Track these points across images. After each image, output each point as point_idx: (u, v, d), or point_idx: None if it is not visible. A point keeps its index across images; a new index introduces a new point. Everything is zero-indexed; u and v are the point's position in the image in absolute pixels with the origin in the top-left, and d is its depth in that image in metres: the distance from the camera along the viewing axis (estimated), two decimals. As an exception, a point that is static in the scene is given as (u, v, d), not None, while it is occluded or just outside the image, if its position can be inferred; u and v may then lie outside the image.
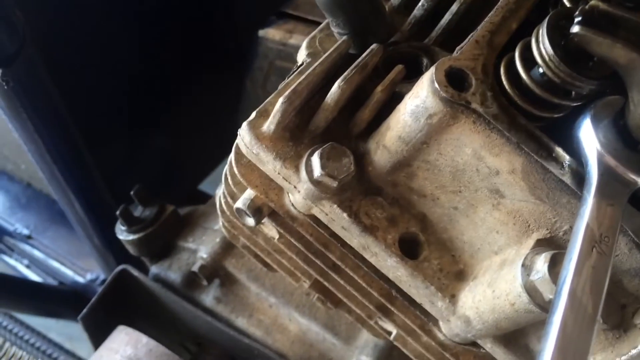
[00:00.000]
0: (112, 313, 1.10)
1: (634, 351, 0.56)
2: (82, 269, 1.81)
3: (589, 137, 0.52)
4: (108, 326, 1.10)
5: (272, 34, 1.17)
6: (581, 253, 0.48)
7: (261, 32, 1.18)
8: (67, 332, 2.29)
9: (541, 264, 0.55)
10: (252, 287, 1.04)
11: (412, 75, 0.66)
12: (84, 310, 1.03)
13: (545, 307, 0.55)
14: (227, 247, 1.06)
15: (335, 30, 0.71)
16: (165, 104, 1.58)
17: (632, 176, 0.52)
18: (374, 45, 0.65)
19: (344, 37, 0.70)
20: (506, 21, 0.59)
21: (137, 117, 1.53)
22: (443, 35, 0.74)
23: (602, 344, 0.58)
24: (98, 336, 1.12)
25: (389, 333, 0.80)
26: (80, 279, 1.80)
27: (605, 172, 0.51)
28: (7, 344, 1.79)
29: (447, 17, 0.73)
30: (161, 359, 0.93)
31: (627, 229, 0.53)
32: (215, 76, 1.61)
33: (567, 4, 0.60)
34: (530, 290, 0.55)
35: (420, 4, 0.75)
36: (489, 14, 0.60)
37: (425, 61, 0.71)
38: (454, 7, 0.72)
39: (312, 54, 0.76)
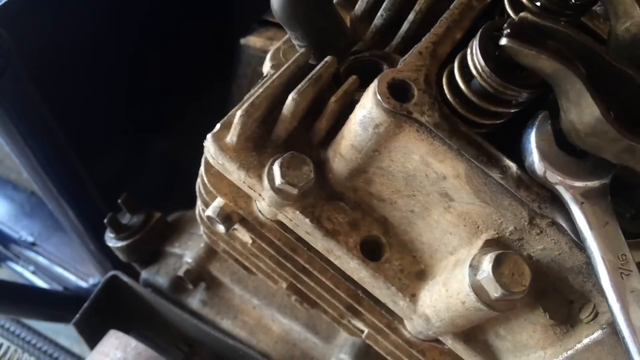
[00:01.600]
0: (105, 318, 1.14)
1: (579, 345, 0.58)
2: (84, 274, 1.86)
3: (549, 173, 0.54)
4: (103, 330, 1.14)
5: (253, 41, 1.20)
6: (618, 289, 0.51)
7: (243, 40, 1.21)
8: (76, 335, 2.34)
9: (487, 264, 0.57)
10: (236, 290, 1.08)
11: (375, 82, 0.69)
12: (77, 316, 1.07)
13: (492, 305, 0.57)
14: (211, 252, 1.10)
15: (295, 42, 0.74)
16: (161, 112, 1.61)
17: (602, 181, 0.54)
18: (327, 58, 0.68)
19: (303, 49, 0.72)
20: (450, 32, 0.62)
21: (132, 127, 1.56)
22: (403, 43, 0.76)
23: (550, 339, 0.61)
24: (93, 340, 1.16)
25: (362, 332, 0.83)
26: (83, 284, 1.85)
27: (586, 198, 0.53)
28: (13, 349, 1.84)
29: (406, 25, 0.75)
30: (149, 361, 0.96)
31: (567, 229, 0.55)
32: (211, 82, 1.64)
33: (512, 14, 0.62)
34: (477, 289, 0.58)
35: (379, 13, 0.77)
36: (434, 26, 0.63)
37: (385, 69, 0.73)
38: (411, 16, 0.75)
39: (276, 66, 0.79)
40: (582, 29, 0.67)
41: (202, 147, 0.73)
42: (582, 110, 0.49)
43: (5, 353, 1.86)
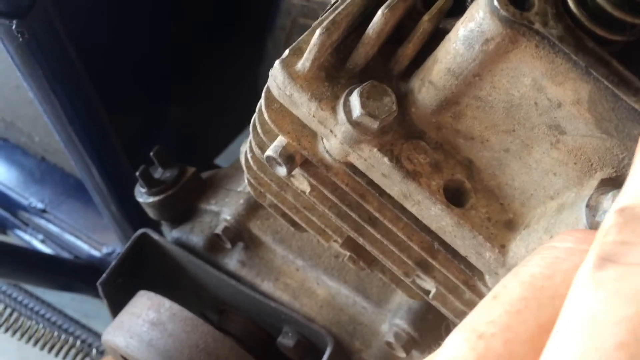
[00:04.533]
0: (131, 279, 1.07)
1: None
2: (98, 242, 1.78)
3: None
4: (127, 293, 1.07)
5: (295, -10, 1.12)
6: None
7: (284, -12, 1.13)
8: (83, 309, 2.29)
9: (608, 203, 0.50)
10: (278, 250, 1.00)
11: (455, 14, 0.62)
12: (103, 276, 0.99)
13: (614, 251, 0.50)
14: (252, 209, 1.02)
15: (372, -38, 0.66)
16: (185, 73, 1.54)
17: None
18: (418, -28, 0.60)
19: (383, -32, 0.65)
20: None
21: (156, 86, 1.49)
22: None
23: None
24: (117, 303, 1.09)
25: (427, 293, 0.76)
26: (96, 253, 1.77)
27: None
28: (23, 318, 1.77)
29: (494, -51, 0.68)
30: (185, 322, 0.89)
31: None
32: (236, 47, 1.57)
33: None
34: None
35: None
36: None
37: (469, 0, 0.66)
38: (502, -62, 0.67)
39: (347, -11, 0.71)
40: None
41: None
42: None
43: (15, 321, 1.79)
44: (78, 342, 1.77)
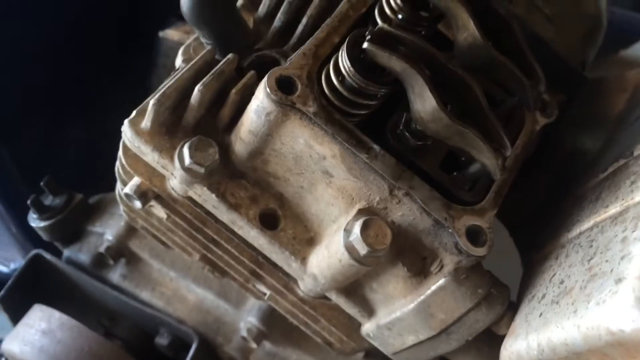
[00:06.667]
0: (29, 295, 1.20)
1: (428, 291, 0.72)
2: (6, 259, 1.87)
3: None
4: (27, 307, 1.20)
5: (171, 34, 1.29)
6: None
7: (161, 33, 1.30)
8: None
9: (357, 227, 0.70)
10: (154, 264, 1.17)
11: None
12: (1, 293, 1.13)
13: (361, 260, 0.70)
14: (131, 229, 1.18)
15: (202, 40, 0.84)
16: (78, 99, 1.65)
17: None
18: (229, 55, 0.79)
19: (209, 47, 0.83)
20: (330, 36, 0.74)
21: (54, 110, 1.59)
22: (298, 43, 0.88)
23: (409, 288, 0.75)
24: (18, 316, 1.22)
25: (265, 294, 0.95)
26: (4, 269, 1.86)
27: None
28: None
29: (300, 28, 0.87)
30: (72, 330, 1.04)
31: (417, 198, 0.69)
32: (126, 72, 1.69)
33: (380, 23, 0.75)
34: (349, 248, 0.70)
35: (277, 17, 0.89)
36: (317, 31, 0.75)
37: (283, 64, 0.85)
38: (304, 21, 0.87)
39: (187, 60, 0.89)
40: (440, 37, 0.81)
41: (118, 134, 0.83)
42: (424, 101, 0.63)
43: None
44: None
